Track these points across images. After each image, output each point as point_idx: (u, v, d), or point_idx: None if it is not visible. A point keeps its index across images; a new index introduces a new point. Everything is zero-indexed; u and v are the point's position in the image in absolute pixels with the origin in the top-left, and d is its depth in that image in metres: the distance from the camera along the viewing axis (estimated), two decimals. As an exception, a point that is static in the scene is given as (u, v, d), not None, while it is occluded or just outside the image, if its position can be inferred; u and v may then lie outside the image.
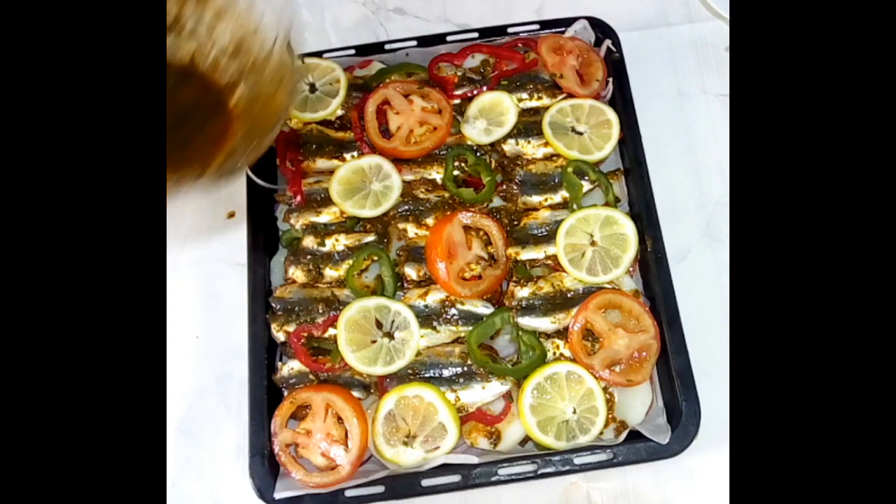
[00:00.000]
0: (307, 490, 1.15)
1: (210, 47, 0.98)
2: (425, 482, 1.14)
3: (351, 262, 1.29)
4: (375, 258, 1.30)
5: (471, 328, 1.23)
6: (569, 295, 1.25)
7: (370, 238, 1.32)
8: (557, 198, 1.33)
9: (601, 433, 1.17)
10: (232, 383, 1.34)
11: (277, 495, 1.15)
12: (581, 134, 1.36)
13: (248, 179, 1.38)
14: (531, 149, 1.37)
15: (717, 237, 1.39)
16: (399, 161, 1.36)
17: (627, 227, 1.26)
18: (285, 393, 1.24)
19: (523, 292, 1.25)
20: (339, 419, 1.18)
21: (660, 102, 1.49)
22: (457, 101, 1.40)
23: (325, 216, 1.34)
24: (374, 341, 1.22)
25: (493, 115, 1.37)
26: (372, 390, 1.24)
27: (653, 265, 1.25)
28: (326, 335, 1.25)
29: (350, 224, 1.34)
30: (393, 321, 1.23)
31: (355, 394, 1.22)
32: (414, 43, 1.46)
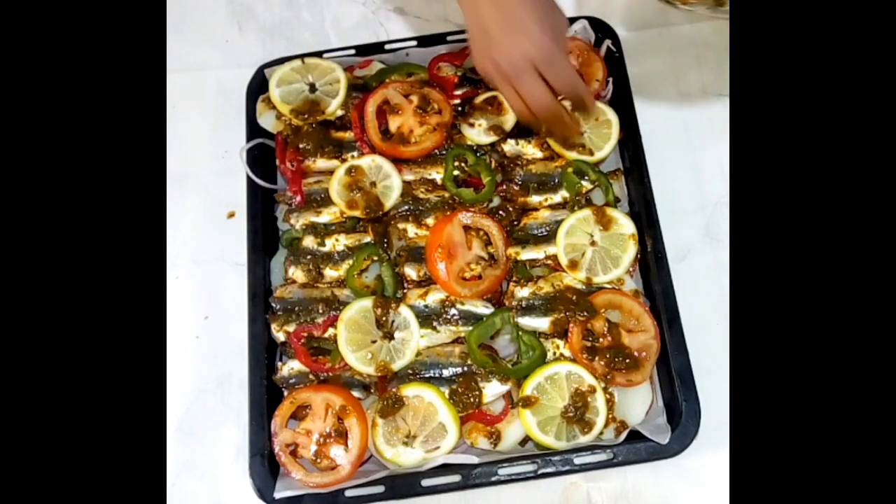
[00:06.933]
0: (307, 490, 1.15)
1: None
2: (425, 482, 1.14)
3: (351, 262, 1.29)
4: (375, 258, 1.30)
5: (471, 328, 1.23)
6: (569, 295, 1.24)
7: (370, 238, 1.32)
8: (557, 198, 1.33)
9: (601, 433, 1.17)
10: (232, 383, 1.34)
11: (277, 495, 1.15)
12: (581, 134, 1.36)
13: (249, 179, 1.38)
14: (531, 149, 1.37)
15: (717, 237, 1.39)
16: (399, 161, 1.36)
17: (627, 227, 1.26)
18: (285, 393, 1.24)
19: (523, 292, 1.25)
20: (339, 419, 1.18)
21: (660, 102, 1.49)
22: (457, 101, 1.40)
23: (325, 216, 1.34)
24: (374, 341, 1.22)
25: (492, 115, 1.37)
26: (372, 390, 1.24)
27: (653, 265, 1.25)
28: (326, 335, 1.25)
29: (350, 224, 1.34)
30: (393, 321, 1.23)
31: (355, 394, 1.22)
32: (414, 43, 1.46)
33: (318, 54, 1.45)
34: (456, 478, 1.14)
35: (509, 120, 1.36)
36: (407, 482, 1.14)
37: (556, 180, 1.34)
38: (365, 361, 1.20)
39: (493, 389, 1.20)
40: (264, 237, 1.35)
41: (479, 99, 1.39)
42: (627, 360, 1.18)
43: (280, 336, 1.27)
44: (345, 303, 1.25)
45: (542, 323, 1.23)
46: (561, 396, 1.17)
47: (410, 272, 1.29)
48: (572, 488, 1.23)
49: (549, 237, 1.29)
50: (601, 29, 1.44)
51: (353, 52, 1.47)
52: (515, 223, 1.33)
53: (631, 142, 1.34)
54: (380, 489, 1.14)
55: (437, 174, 1.36)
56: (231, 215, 1.47)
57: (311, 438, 1.17)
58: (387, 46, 1.46)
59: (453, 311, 1.24)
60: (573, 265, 1.25)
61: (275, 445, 1.17)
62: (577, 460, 1.14)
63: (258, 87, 1.45)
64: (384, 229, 1.32)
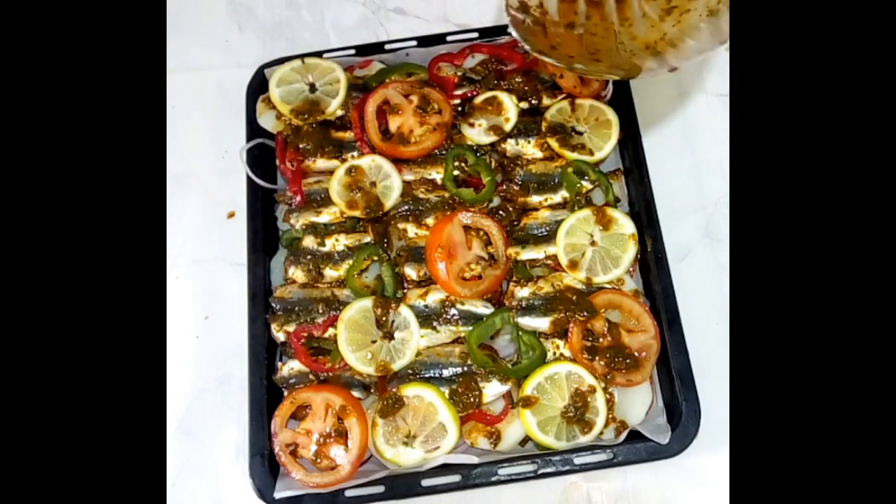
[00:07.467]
0: (307, 490, 1.15)
1: None
2: (425, 482, 1.14)
3: (351, 262, 1.29)
4: (375, 258, 1.30)
5: (471, 328, 1.23)
6: (569, 295, 1.24)
7: (370, 238, 1.32)
8: (557, 198, 1.33)
9: (601, 433, 1.17)
10: (232, 383, 1.34)
11: (277, 495, 1.15)
12: (581, 134, 1.36)
13: (249, 179, 1.38)
14: (531, 149, 1.37)
15: (717, 237, 1.39)
16: (399, 161, 1.36)
17: (627, 227, 1.26)
18: (285, 393, 1.24)
19: (523, 292, 1.25)
20: (339, 419, 1.18)
21: (660, 102, 1.49)
22: (457, 101, 1.40)
23: (325, 216, 1.34)
24: (374, 341, 1.22)
25: (493, 115, 1.37)
26: (372, 390, 1.24)
27: (653, 265, 1.25)
28: (326, 335, 1.25)
29: (350, 224, 1.34)
30: (393, 321, 1.23)
31: (355, 394, 1.22)
32: (414, 43, 1.46)
33: (318, 54, 1.45)
34: (456, 478, 1.14)
35: (510, 119, 1.36)
36: (407, 482, 1.14)
37: (556, 180, 1.34)
38: (365, 361, 1.20)
39: (493, 389, 1.20)
40: (264, 237, 1.35)
41: (479, 99, 1.39)
42: (627, 360, 1.18)
43: (280, 336, 1.27)
44: (345, 303, 1.25)
45: (542, 323, 1.23)
46: (561, 396, 1.17)
47: (410, 272, 1.29)
48: (572, 488, 1.23)
49: (549, 237, 1.29)
50: (601, 29, 1.44)
51: (353, 52, 1.47)
52: (515, 223, 1.33)
53: (631, 142, 1.34)
54: (380, 489, 1.14)
55: (437, 174, 1.36)
56: (231, 215, 1.47)
57: (311, 438, 1.17)
58: (387, 46, 1.46)
59: (453, 311, 1.24)
60: (573, 265, 1.25)
61: (275, 445, 1.17)
62: (577, 460, 1.14)
63: (258, 87, 1.45)
64: (384, 229, 1.32)
